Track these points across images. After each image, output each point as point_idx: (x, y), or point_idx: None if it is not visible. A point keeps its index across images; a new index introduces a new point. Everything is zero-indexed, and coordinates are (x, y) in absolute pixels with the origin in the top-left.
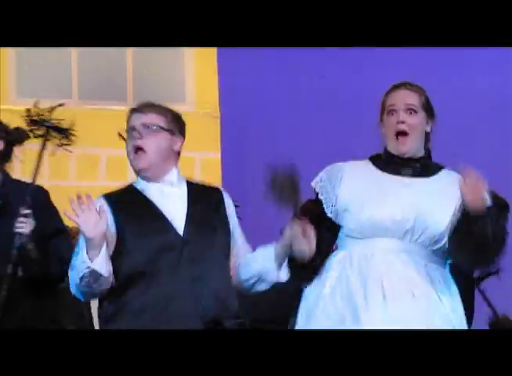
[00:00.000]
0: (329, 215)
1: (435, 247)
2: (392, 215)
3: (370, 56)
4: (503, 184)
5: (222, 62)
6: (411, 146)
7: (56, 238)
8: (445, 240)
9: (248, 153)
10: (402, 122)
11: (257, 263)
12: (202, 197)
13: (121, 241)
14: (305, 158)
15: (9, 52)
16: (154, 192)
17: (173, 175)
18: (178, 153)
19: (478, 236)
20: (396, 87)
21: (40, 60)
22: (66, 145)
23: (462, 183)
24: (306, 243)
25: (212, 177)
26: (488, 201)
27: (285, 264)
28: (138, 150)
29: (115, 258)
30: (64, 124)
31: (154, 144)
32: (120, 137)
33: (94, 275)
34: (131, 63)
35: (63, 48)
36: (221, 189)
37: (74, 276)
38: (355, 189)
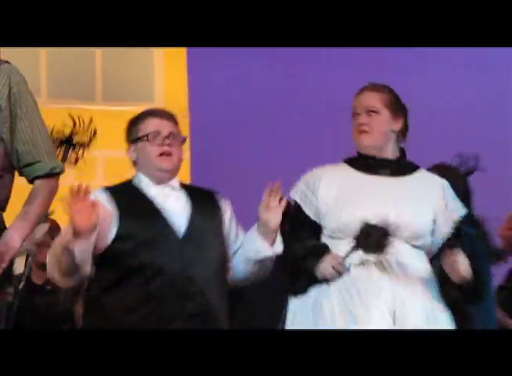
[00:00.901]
0: (312, 217)
1: (416, 244)
2: (373, 211)
3: (347, 57)
4: (503, 184)
5: (192, 62)
6: (372, 142)
7: None
8: (426, 238)
9: (217, 153)
10: (363, 124)
11: (247, 245)
12: (201, 202)
13: (119, 236)
14: (275, 157)
15: None
16: (155, 192)
17: (176, 180)
18: None
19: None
20: (361, 89)
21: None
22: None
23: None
24: (268, 212)
25: (181, 176)
26: (468, 275)
27: (278, 238)
28: (166, 154)
29: (109, 251)
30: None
31: (179, 152)
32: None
33: (70, 257)
34: (101, 62)
35: (31, 48)
36: (216, 193)
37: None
38: (334, 189)
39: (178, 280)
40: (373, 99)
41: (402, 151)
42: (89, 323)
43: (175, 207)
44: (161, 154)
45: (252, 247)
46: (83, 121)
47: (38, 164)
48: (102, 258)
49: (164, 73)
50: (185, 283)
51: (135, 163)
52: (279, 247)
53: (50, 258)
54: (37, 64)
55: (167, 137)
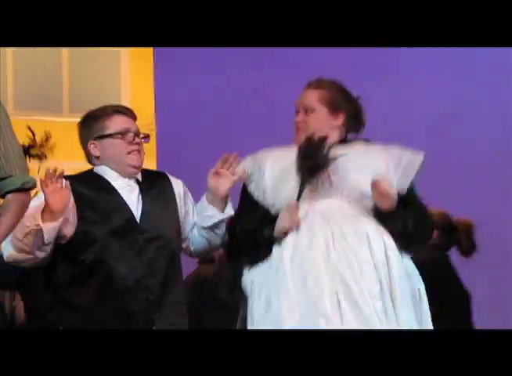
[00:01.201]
0: (256, 196)
1: (369, 203)
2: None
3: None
4: (504, 184)
5: (159, 74)
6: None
7: None
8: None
9: (184, 167)
10: (299, 122)
11: (199, 214)
12: (152, 186)
13: (81, 225)
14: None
15: None
16: (120, 183)
17: (139, 174)
18: None
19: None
20: (304, 87)
21: None
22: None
23: (372, 184)
24: (217, 178)
25: None
26: (394, 200)
27: (228, 203)
28: (135, 151)
29: (71, 240)
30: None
31: (143, 147)
32: None
33: (38, 236)
34: (68, 74)
35: None
36: (167, 174)
37: (17, 231)
38: (280, 167)
39: (138, 270)
40: (311, 97)
41: (345, 138)
42: (57, 316)
43: (136, 198)
44: (130, 152)
45: (204, 215)
46: (45, 135)
47: (10, 178)
48: (64, 249)
49: (130, 86)
50: (145, 274)
51: (96, 158)
52: (230, 211)
53: (15, 236)
54: (4, 76)
55: (137, 135)
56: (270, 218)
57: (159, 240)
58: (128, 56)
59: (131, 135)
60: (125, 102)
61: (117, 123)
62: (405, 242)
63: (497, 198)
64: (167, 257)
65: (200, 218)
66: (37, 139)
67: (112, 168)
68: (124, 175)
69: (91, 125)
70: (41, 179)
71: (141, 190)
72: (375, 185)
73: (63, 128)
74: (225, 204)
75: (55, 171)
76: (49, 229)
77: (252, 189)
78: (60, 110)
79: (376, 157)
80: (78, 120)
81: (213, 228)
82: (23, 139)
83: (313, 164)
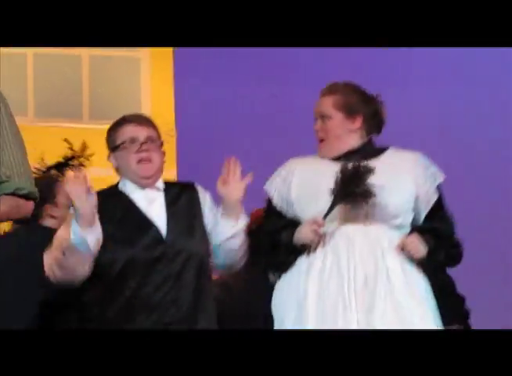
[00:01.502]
0: (285, 209)
1: (395, 223)
2: None
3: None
4: (503, 184)
5: (179, 80)
6: (329, 149)
7: None
8: (405, 215)
9: (205, 173)
10: (317, 131)
11: (214, 230)
12: (178, 198)
13: (105, 241)
14: (262, 176)
15: None
16: (140, 196)
17: (161, 181)
18: None
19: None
20: (319, 94)
21: None
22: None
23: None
24: (227, 186)
25: None
26: (423, 253)
27: (242, 213)
28: (144, 160)
29: (98, 257)
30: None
31: (159, 156)
32: None
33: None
34: (88, 80)
35: (18, 64)
36: (196, 184)
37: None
38: (307, 179)
39: (167, 284)
40: (325, 104)
41: (369, 139)
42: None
43: (159, 210)
44: (139, 161)
45: (218, 230)
46: (83, 144)
47: (5, 183)
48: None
49: (150, 92)
50: (174, 288)
51: (117, 170)
52: (242, 221)
53: (59, 257)
54: (25, 83)
55: (145, 142)
56: (293, 224)
57: (186, 253)
58: (148, 62)
59: (137, 143)
60: (145, 108)
61: (124, 133)
62: (433, 269)
63: (497, 198)
64: (196, 269)
65: (215, 234)
66: (76, 149)
67: (129, 180)
68: (140, 185)
69: (107, 137)
70: (67, 183)
71: (166, 203)
72: (402, 248)
73: (83, 135)
74: (239, 212)
75: (78, 175)
76: (93, 236)
77: (276, 200)
78: (80, 117)
79: (407, 178)
80: (98, 126)
81: (227, 241)
82: (65, 150)
83: (353, 193)
